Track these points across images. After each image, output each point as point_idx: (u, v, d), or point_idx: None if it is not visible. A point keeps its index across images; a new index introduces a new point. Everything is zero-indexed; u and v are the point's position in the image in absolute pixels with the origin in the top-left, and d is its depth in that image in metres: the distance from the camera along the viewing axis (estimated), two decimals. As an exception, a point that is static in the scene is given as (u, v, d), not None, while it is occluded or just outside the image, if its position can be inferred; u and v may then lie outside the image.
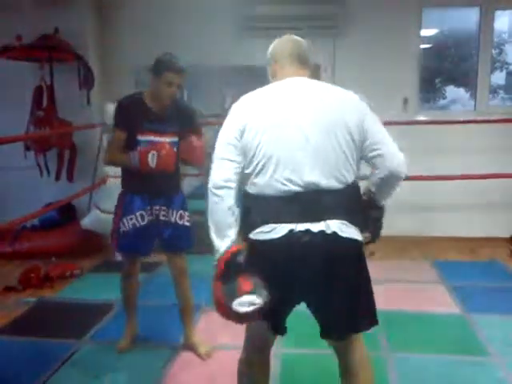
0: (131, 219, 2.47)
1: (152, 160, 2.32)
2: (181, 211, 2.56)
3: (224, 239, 1.58)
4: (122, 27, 4.59)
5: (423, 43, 4.80)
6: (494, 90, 5.52)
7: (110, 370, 2.52)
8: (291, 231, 1.49)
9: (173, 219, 2.54)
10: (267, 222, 1.52)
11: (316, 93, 1.63)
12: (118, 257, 4.23)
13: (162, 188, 2.50)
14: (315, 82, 1.68)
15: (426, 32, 4.82)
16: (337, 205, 1.53)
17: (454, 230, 4.54)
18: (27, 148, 4.22)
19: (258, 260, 1.55)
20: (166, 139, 2.44)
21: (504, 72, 7.31)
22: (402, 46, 4.51)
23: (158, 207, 2.51)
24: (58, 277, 3.77)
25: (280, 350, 2.54)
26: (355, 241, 1.56)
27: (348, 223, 1.54)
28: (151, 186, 2.45)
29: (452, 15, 5.22)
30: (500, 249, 4.30)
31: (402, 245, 4.39)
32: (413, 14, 4.51)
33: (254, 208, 1.56)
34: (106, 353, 2.69)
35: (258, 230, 1.54)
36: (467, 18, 5.14)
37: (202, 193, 6.74)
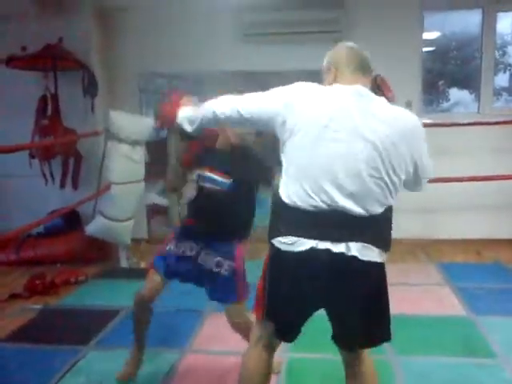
0: (175, 247, 2.30)
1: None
2: (220, 258, 2.28)
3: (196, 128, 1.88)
4: (125, 35, 4.63)
5: (426, 46, 4.80)
6: (497, 92, 5.50)
7: (114, 376, 2.51)
8: (312, 248, 1.48)
9: (210, 265, 2.29)
10: (291, 234, 1.51)
11: (371, 108, 1.55)
12: (124, 264, 4.28)
13: (215, 234, 2.28)
14: (372, 95, 1.61)
15: (428, 35, 4.83)
16: (362, 229, 1.49)
17: (459, 232, 4.53)
18: (32, 156, 4.26)
19: (278, 268, 1.58)
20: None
21: (507, 74, 7.30)
22: (404, 49, 4.51)
23: (203, 252, 2.30)
24: (63, 283, 3.78)
25: (286, 354, 2.55)
26: (376, 263, 1.53)
27: (371, 246, 1.50)
28: (203, 229, 2.27)
29: (454, 18, 5.22)
30: (505, 250, 4.29)
31: (407, 247, 4.38)
32: (414, 17, 4.52)
33: (281, 215, 1.56)
34: (111, 359, 2.69)
35: (281, 240, 1.53)
36: (469, 21, 5.14)
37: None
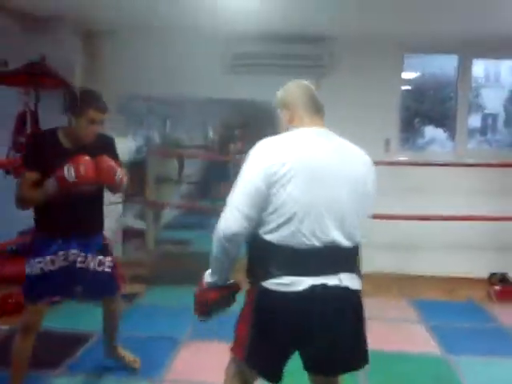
0: (39, 262, 2.25)
1: (69, 173, 2.10)
2: (100, 257, 2.37)
3: (221, 277, 1.71)
4: (109, 57, 4.64)
5: (404, 85, 4.96)
6: (471, 132, 5.71)
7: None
8: (312, 286, 1.52)
9: (91, 266, 2.35)
10: (286, 274, 1.52)
11: (338, 148, 1.66)
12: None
13: (80, 225, 2.30)
14: (334, 135, 1.70)
15: (406, 75, 5.00)
16: (347, 260, 1.60)
17: (433, 269, 4.59)
18: (7, 172, 4.16)
19: (272, 309, 1.56)
20: None
21: (480, 115, 7.57)
22: (383, 89, 4.64)
23: (74, 251, 2.31)
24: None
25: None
26: (359, 291, 1.64)
27: (355, 275, 1.62)
28: (67, 222, 2.25)
29: (432, 60, 5.44)
30: (478, 290, 4.35)
31: (381, 282, 4.41)
32: (394, 59, 4.67)
33: (272, 257, 1.55)
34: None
35: (275, 281, 1.54)
36: (446, 63, 5.36)
37: (182, 222, 6.79)
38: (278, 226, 1.54)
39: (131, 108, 4.96)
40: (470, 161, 4.47)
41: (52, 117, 4.20)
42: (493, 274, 4.48)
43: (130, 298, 4.00)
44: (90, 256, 2.34)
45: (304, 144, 1.61)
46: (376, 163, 3.43)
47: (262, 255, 1.58)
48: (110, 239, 3.99)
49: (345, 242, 1.57)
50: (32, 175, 2.19)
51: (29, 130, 4.18)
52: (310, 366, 1.70)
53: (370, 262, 4.21)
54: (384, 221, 4.12)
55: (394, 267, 4.60)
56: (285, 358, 1.63)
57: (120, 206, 3.96)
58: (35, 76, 4.05)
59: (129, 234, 5.21)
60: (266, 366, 1.62)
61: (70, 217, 2.25)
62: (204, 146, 9.17)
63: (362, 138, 4.66)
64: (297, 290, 1.51)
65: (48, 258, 2.26)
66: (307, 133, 1.66)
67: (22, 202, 2.22)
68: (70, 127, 2.26)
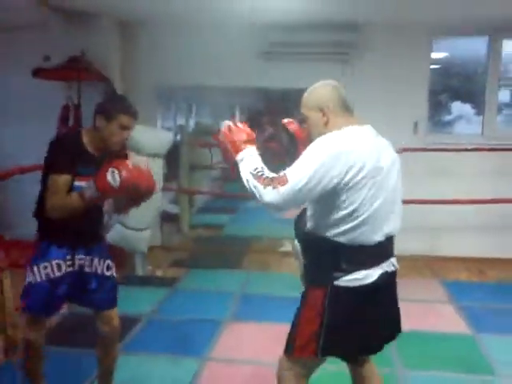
0: (45, 268, 2.08)
1: (113, 178, 1.91)
2: (108, 261, 2.24)
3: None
4: (146, 49, 4.78)
5: (432, 64, 4.92)
6: (499, 108, 5.64)
7: (140, 379, 2.68)
8: (380, 275, 1.69)
9: (99, 270, 2.21)
10: (359, 269, 1.67)
11: (385, 145, 1.76)
12: (140, 271, 4.42)
13: (86, 235, 2.17)
14: (375, 132, 1.76)
15: (435, 55, 4.98)
16: (393, 245, 1.81)
17: (464, 250, 4.69)
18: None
19: (347, 303, 1.69)
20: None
21: (508, 90, 7.48)
22: (412, 73, 4.68)
23: (81, 256, 2.17)
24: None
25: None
26: None
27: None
28: (73, 233, 2.10)
29: (460, 41, 5.40)
30: (508, 270, 4.45)
31: (414, 264, 4.55)
32: (423, 43, 4.69)
33: (343, 256, 1.66)
34: (135, 364, 2.83)
35: (348, 278, 1.66)
36: (475, 44, 5.33)
37: (216, 207, 6.99)
38: (351, 229, 1.64)
39: (167, 98, 5.12)
40: (499, 143, 4.50)
41: (93, 109, 4.43)
42: (523, 254, 4.55)
43: (169, 282, 4.23)
44: (96, 260, 2.21)
45: (367, 145, 1.66)
46: (405, 149, 3.54)
47: (332, 256, 1.68)
48: (151, 226, 4.22)
49: (396, 231, 1.76)
50: (67, 179, 2.00)
51: (71, 122, 4.40)
52: (369, 348, 1.84)
53: (403, 244, 4.37)
54: (415, 204, 4.23)
55: (427, 250, 4.72)
56: (364, 342, 1.78)
57: (160, 194, 4.14)
58: (77, 70, 4.23)
59: (164, 219, 5.43)
60: (346, 352, 1.81)
61: (78, 224, 2.06)
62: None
63: (392, 121, 4.82)
64: (369, 282, 1.67)
65: (54, 262, 2.09)
66: (363, 132, 1.71)
67: (59, 211, 2.00)
68: (97, 131, 2.08)
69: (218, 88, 4.90)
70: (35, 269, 2.08)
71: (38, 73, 4.13)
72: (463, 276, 4.41)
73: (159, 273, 4.44)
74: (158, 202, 4.16)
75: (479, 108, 5.18)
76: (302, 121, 1.83)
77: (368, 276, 1.67)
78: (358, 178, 1.59)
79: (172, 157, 5.33)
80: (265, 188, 1.57)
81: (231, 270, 4.58)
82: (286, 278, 4.07)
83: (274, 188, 1.55)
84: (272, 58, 4.59)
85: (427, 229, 4.71)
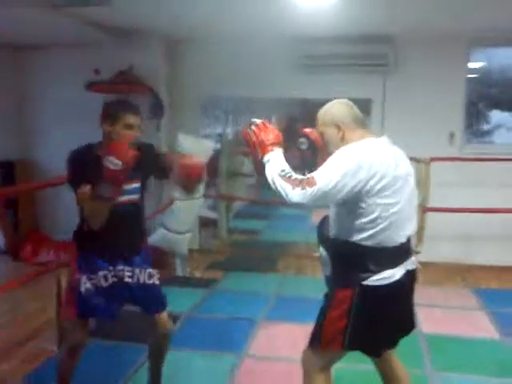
0: (92, 279, 2.17)
1: (112, 163, 1.90)
2: (149, 270, 2.30)
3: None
4: (190, 63, 5.07)
5: (469, 74, 4.95)
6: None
7: (182, 373, 2.87)
8: (404, 273, 1.85)
9: (141, 280, 2.27)
10: (385, 269, 1.82)
11: (402, 155, 1.90)
12: (180, 272, 4.65)
13: (125, 247, 2.22)
14: (391, 143, 1.92)
15: (472, 64, 5.01)
16: (411, 245, 1.95)
17: (496, 259, 4.74)
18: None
19: (374, 301, 1.84)
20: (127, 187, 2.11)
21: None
22: (448, 83, 4.77)
23: (121, 267, 2.22)
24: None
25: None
26: None
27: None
28: (113, 245, 2.17)
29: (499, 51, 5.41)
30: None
31: (446, 272, 4.63)
32: (460, 54, 4.76)
33: (370, 258, 1.81)
34: (177, 359, 2.99)
35: (375, 278, 1.81)
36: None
37: (252, 212, 7.16)
38: (376, 233, 1.79)
39: (208, 109, 5.37)
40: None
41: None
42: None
43: (207, 283, 4.44)
44: (137, 269, 2.25)
45: (386, 155, 1.81)
46: (439, 159, 3.55)
47: (359, 259, 1.82)
48: (191, 230, 4.45)
49: (412, 232, 1.90)
50: (87, 187, 2.00)
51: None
52: (392, 341, 2.00)
53: (435, 252, 4.48)
54: (449, 213, 4.31)
55: (459, 257, 4.77)
56: (387, 335, 1.94)
57: (201, 201, 4.38)
58: (125, 83, 4.55)
59: (203, 224, 5.66)
60: (372, 347, 1.94)
61: (117, 236, 2.14)
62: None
63: (429, 131, 4.91)
64: (395, 280, 1.82)
65: (100, 273, 2.18)
66: (381, 144, 1.86)
67: (96, 219, 2.05)
68: (107, 139, 2.08)
69: (256, 99, 5.12)
70: (83, 279, 2.15)
71: (90, 86, 4.46)
72: (494, 284, 4.44)
73: (198, 274, 4.67)
74: (198, 208, 4.40)
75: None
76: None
77: (393, 275, 1.81)
78: (379, 186, 1.74)
79: (211, 164, 5.58)
80: (293, 189, 1.70)
81: (266, 273, 4.76)
82: (318, 282, 4.19)
83: (302, 189, 1.69)
84: (311, 70, 4.77)
85: (460, 237, 4.77)
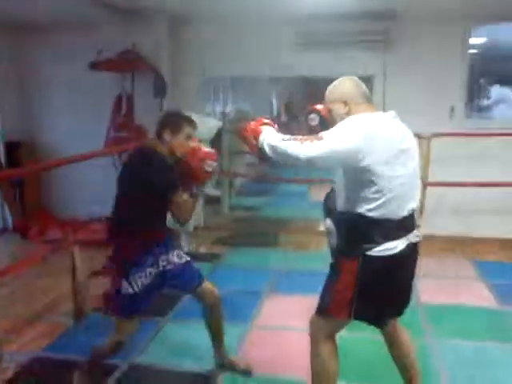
0: (140, 277, 2.27)
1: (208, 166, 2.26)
2: (176, 251, 2.44)
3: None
4: (192, 42, 5.10)
5: (470, 49, 4.97)
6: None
7: (190, 345, 2.95)
8: (406, 245, 1.91)
9: (176, 262, 2.41)
10: (388, 241, 1.88)
11: (405, 129, 1.95)
12: (186, 248, 4.75)
13: (161, 233, 2.40)
14: (398, 117, 1.96)
15: (473, 40, 5.01)
16: (414, 219, 2.00)
17: (495, 232, 4.84)
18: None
19: (380, 271, 1.90)
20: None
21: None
22: (450, 59, 4.80)
23: (163, 257, 2.37)
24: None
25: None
26: None
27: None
28: (157, 229, 2.35)
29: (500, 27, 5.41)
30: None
31: (446, 244, 4.74)
32: (461, 30, 4.77)
33: (375, 229, 1.87)
34: (186, 330, 3.13)
35: (379, 248, 1.87)
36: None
37: (253, 190, 7.30)
38: (380, 205, 1.84)
39: (209, 87, 5.41)
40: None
41: (144, 99, 4.78)
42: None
43: (213, 258, 4.54)
44: (170, 253, 2.40)
45: (391, 129, 1.88)
46: (440, 134, 3.59)
47: (364, 230, 1.88)
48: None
49: (416, 207, 1.96)
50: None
51: (124, 110, 4.76)
52: (393, 312, 2.08)
53: (437, 225, 4.58)
54: (450, 187, 4.38)
55: (459, 230, 4.87)
56: (390, 306, 2.02)
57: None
58: (129, 62, 4.58)
59: (207, 201, 5.73)
60: (377, 316, 2.01)
61: (159, 223, 2.34)
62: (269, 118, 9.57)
63: (429, 106, 4.94)
64: (398, 251, 1.89)
65: (148, 270, 2.30)
66: (387, 118, 1.92)
67: (191, 215, 2.31)
68: (164, 143, 2.29)
69: (257, 77, 5.16)
70: (132, 280, 2.25)
71: (94, 65, 4.49)
72: (493, 256, 4.55)
73: (203, 250, 4.77)
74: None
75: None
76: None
77: (397, 246, 1.88)
78: (382, 157, 1.80)
79: (214, 142, 5.64)
80: (302, 143, 1.78)
81: (268, 248, 4.88)
82: (319, 255, 4.31)
83: (311, 142, 1.78)
84: (311, 47, 4.79)
85: (461, 211, 4.86)
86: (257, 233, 5.41)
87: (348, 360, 2.52)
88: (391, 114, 1.96)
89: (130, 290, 2.24)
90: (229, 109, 8.01)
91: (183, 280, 2.44)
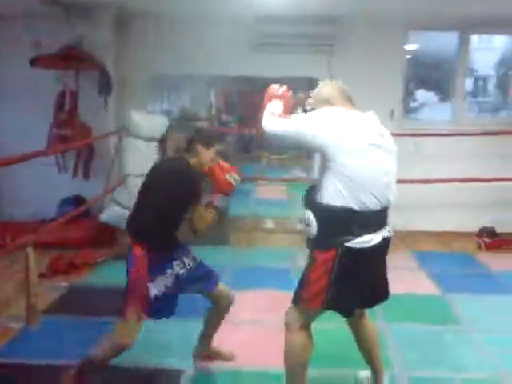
0: (163, 279, 2.37)
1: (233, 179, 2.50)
2: (190, 254, 2.55)
3: None
4: (139, 39, 5.01)
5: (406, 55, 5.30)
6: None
7: (154, 340, 2.92)
8: (381, 239, 1.99)
9: (192, 266, 2.51)
10: (365, 233, 1.97)
11: (382, 129, 2.07)
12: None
13: (176, 238, 2.51)
14: (377, 118, 2.09)
15: (407, 46, 5.35)
16: (387, 215, 2.09)
17: (432, 225, 5.18)
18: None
19: (355, 262, 1.98)
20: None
21: (472, 79, 7.92)
22: (388, 63, 5.07)
23: (177, 262, 2.46)
24: (83, 264, 4.14)
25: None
26: None
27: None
28: (173, 241, 2.46)
29: (432, 35, 5.80)
30: (470, 242, 5.00)
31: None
32: (399, 36, 5.08)
33: (353, 221, 1.95)
34: (148, 327, 3.03)
35: (357, 240, 1.96)
36: (445, 39, 5.73)
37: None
38: (358, 195, 1.93)
39: (156, 86, 5.35)
40: (469, 130, 4.93)
41: (90, 96, 4.64)
42: (482, 229, 5.09)
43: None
44: (184, 258, 2.49)
45: (360, 122, 2.00)
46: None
47: (344, 222, 1.95)
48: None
49: (391, 202, 2.05)
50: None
51: (67, 107, 4.60)
52: (364, 303, 2.18)
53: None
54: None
55: (400, 224, 5.11)
56: (361, 297, 2.10)
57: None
58: (70, 58, 4.43)
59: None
60: (347, 305, 2.09)
61: (178, 229, 2.45)
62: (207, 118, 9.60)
63: (371, 108, 5.13)
64: (373, 244, 1.98)
65: (169, 272, 2.39)
66: (362, 115, 2.05)
67: (208, 226, 2.46)
68: (194, 156, 2.43)
69: (204, 76, 5.17)
70: (156, 282, 2.34)
71: (33, 62, 4.30)
72: (432, 247, 4.89)
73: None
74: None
75: (444, 95, 5.60)
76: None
77: (372, 239, 1.98)
78: (350, 149, 1.92)
79: (163, 142, 5.58)
80: (271, 117, 2.10)
81: (218, 246, 4.85)
82: (269, 252, 4.47)
83: (278, 117, 2.09)
84: (258, 48, 4.88)
85: (401, 206, 5.09)
86: (218, 232, 5.37)
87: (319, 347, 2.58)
88: (369, 114, 2.09)
89: (154, 292, 2.32)
90: (174, 107, 7.97)
91: (203, 282, 2.55)
